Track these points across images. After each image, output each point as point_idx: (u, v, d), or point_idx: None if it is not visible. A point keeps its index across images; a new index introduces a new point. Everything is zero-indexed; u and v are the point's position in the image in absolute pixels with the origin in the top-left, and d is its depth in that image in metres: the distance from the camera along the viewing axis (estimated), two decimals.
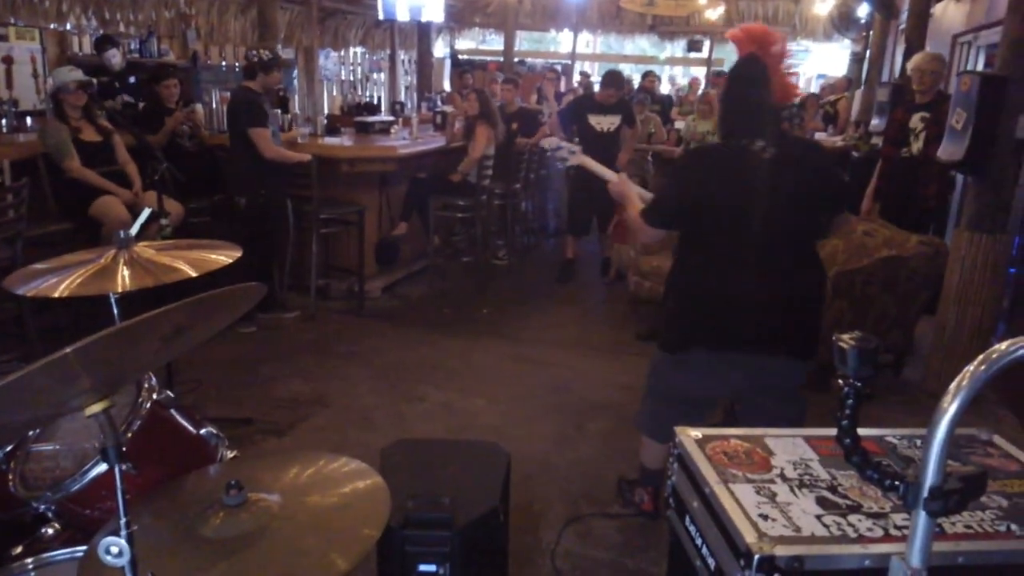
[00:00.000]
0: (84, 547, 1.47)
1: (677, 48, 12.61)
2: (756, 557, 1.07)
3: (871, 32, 9.62)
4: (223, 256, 1.88)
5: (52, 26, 6.02)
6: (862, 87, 9.23)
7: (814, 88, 11.80)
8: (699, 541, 1.25)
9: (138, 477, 1.62)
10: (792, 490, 1.26)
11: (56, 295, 1.76)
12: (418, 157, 5.74)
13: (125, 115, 4.77)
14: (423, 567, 1.98)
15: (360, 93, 10.23)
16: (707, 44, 11.91)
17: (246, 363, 4.11)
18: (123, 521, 1.06)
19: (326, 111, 8.00)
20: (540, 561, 2.60)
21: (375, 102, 8.83)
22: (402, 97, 10.30)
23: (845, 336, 1.11)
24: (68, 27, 6.17)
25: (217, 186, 4.91)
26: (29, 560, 1.52)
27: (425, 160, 5.90)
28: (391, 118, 6.56)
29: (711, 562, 1.21)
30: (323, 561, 1.27)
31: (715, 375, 2.43)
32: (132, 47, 6.35)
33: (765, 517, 1.16)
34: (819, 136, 8.21)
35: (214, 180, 4.92)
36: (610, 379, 4.13)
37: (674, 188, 2.52)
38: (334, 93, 9.52)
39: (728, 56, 12.74)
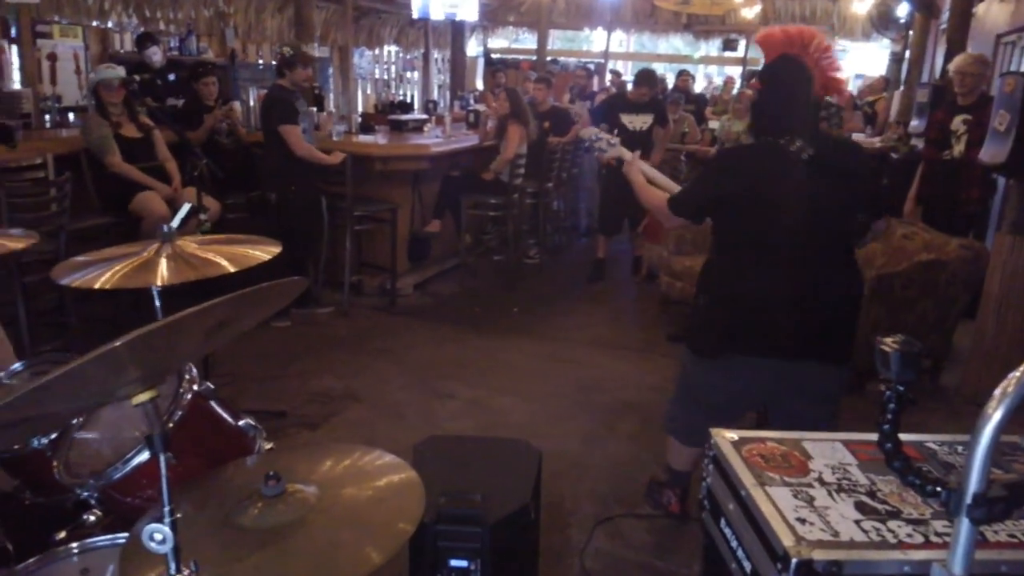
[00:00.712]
0: (125, 534, 1.51)
1: (712, 47, 12.50)
2: (794, 561, 1.07)
3: (911, 32, 9.44)
4: (263, 252, 1.90)
5: (94, 23, 6.15)
6: (901, 87, 9.07)
7: (851, 88, 11.62)
8: (734, 544, 1.24)
9: (178, 466, 1.65)
10: (830, 494, 1.24)
11: (98, 286, 1.80)
12: (451, 155, 5.77)
13: (166, 112, 4.85)
14: (454, 562, 1.99)
15: (394, 91, 10.29)
16: (743, 43, 11.78)
17: (280, 357, 4.17)
18: (167, 509, 1.08)
19: (360, 109, 8.08)
20: (570, 560, 2.60)
21: (408, 101, 8.90)
22: (435, 96, 10.35)
23: (888, 339, 1.09)
24: (110, 25, 6.30)
25: (253, 183, 4.97)
26: (74, 545, 1.56)
27: (458, 158, 5.93)
28: (424, 116, 6.60)
29: (747, 565, 1.21)
30: (358, 554, 1.29)
31: (747, 380, 2.39)
32: (172, 45, 6.47)
33: (803, 521, 1.15)
34: (857, 137, 8.08)
35: (250, 177, 4.99)
36: (641, 379, 4.11)
37: (702, 182, 2.49)
38: (368, 91, 9.60)
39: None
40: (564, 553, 2.63)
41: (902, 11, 10.13)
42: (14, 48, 5.58)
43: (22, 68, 5.56)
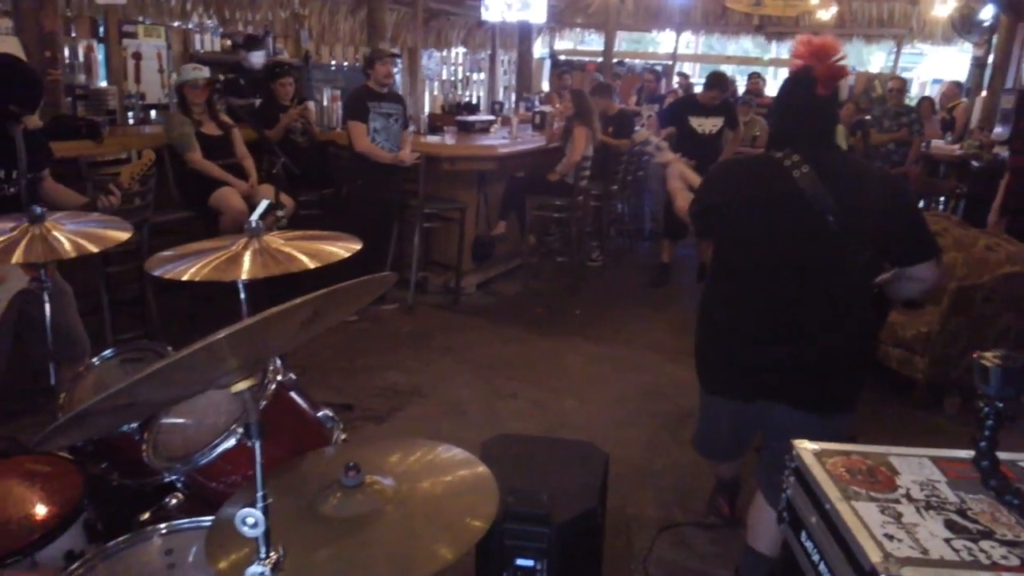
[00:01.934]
0: (210, 517, 1.56)
1: (783, 49, 12.22)
2: None
3: (995, 35, 9.06)
4: (343, 249, 1.95)
5: (176, 24, 6.39)
6: (983, 93, 8.72)
7: (929, 92, 11.22)
8: (816, 558, 1.22)
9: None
10: (918, 511, 1.21)
11: (186, 278, 1.87)
12: (517, 156, 5.79)
13: (245, 110, 5.01)
14: (521, 561, 2.00)
15: (460, 93, 10.39)
16: None
17: (348, 351, 4.25)
18: (260, 494, 1.12)
19: (427, 110, 8.19)
20: (632, 566, 2.58)
21: (474, 102, 8.97)
22: (500, 97, 10.41)
23: (988, 354, 1.05)
24: (191, 25, 6.53)
25: (325, 180, 5.09)
26: (162, 526, 1.62)
27: (524, 160, 5.95)
28: (492, 117, 6.64)
29: None
30: (431, 549, 1.31)
31: (728, 412, 2.21)
32: None
33: (890, 537, 1.12)
34: (936, 144, 7.81)
35: (323, 175, 5.11)
36: None
37: (698, 193, 2.24)
38: (435, 92, 9.71)
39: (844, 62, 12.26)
40: (626, 558, 2.61)
41: (986, 13, 9.73)
42: (101, 47, 5.82)
43: (108, 66, 5.81)
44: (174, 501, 1.85)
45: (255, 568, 1.13)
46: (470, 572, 2.08)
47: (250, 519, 1.11)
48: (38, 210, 2.03)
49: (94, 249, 2.02)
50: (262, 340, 1.09)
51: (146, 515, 1.81)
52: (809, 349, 1.98)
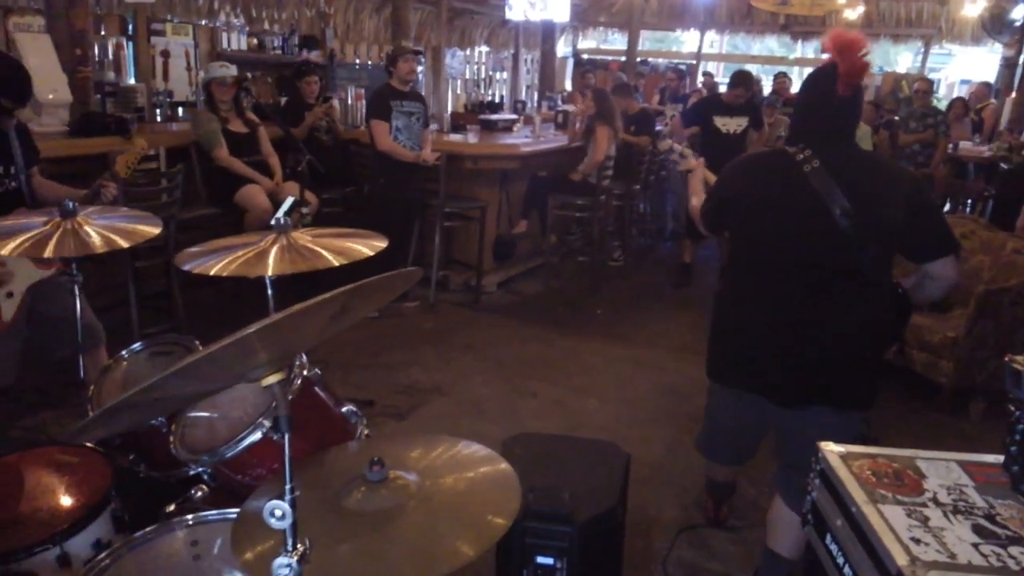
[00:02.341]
0: (236, 509, 1.58)
1: (809, 49, 12.11)
2: None
3: None
4: (368, 247, 1.96)
5: (203, 22, 6.46)
6: (1013, 94, 8.58)
7: (958, 93, 11.06)
8: (841, 561, 1.21)
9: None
10: (946, 515, 1.20)
11: (213, 273, 1.90)
12: (540, 156, 5.79)
13: (272, 108, 5.06)
14: (541, 559, 2.01)
15: (483, 91, 10.40)
16: None
17: (369, 348, 4.28)
18: (288, 487, 1.13)
19: (450, 109, 8.21)
20: (652, 566, 2.58)
21: (497, 101, 8.98)
22: (523, 96, 10.41)
23: (1020, 358, 1.04)
24: (218, 24, 6.60)
25: (349, 178, 5.13)
26: (189, 517, 1.64)
27: (546, 159, 5.95)
28: (514, 116, 6.65)
29: None
30: (453, 545, 1.31)
31: (742, 410, 2.20)
32: (275, 44, 6.72)
33: (917, 541, 1.11)
34: (965, 146, 7.70)
35: (346, 173, 5.14)
36: None
37: (711, 191, 2.27)
38: (458, 91, 9.73)
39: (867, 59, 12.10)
40: (646, 558, 2.61)
41: (1018, 13, 9.58)
42: (130, 45, 5.90)
43: (136, 64, 5.88)
44: (199, 493, 1.88)
45: (282, 560, 1.14)
46: (491, 569, 2.08)
47: (278, 511, 1.12)
48: (70, 205, 2.06)
49: (124, 244, 2.05)
50: (291, 335, 1.11)
51: (172, 507, 1.84)
52: (818, 345, 1.96)
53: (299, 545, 1.16)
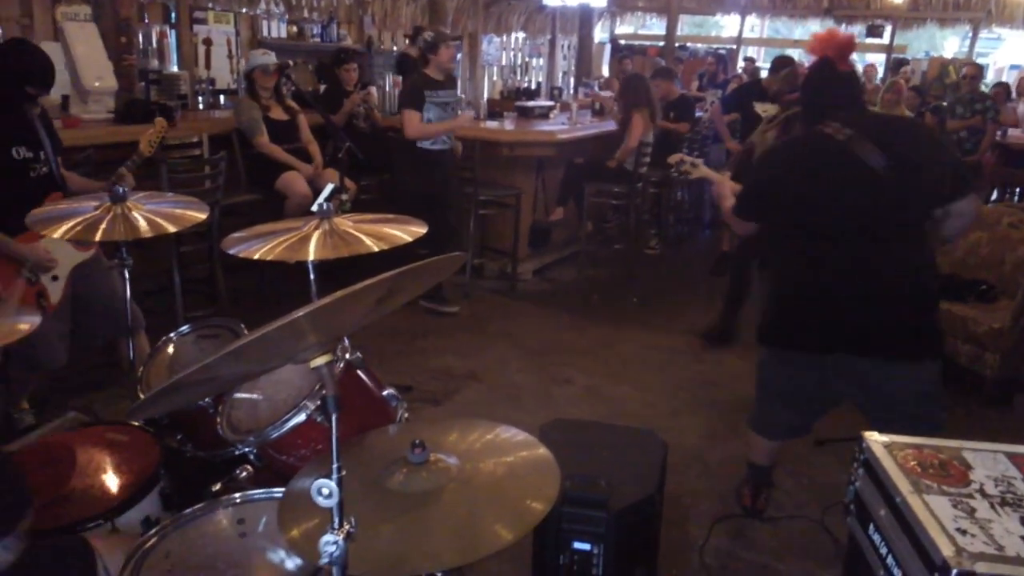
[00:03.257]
0: (281, 489, 1.62)
1: (852, 32, 11.86)
2: (954, 572, 1.02)
3: None
4: (408, 234, 1.98)
5: (244, 10, 6.53)
6: None
7: (1007, 78, 10.73)
8: (884, 551, 1.20)
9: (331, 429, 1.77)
10: (993, 507, 1.18)
11: (257, 257, 1.93)
12: (576, 142, 5.76)
13: (312, 95, 5.10)
14: (578, 545, 2.02)
15: (519, 78, 10.37)
16: (888, 29, 11.09)
17: (405, 334, 4.32)
18: (335, 466, 1.16)
19: (486, 95, 8.20)
20: (688, 555, 2.57)
21: (534, 87, 8.94)
22: (560, 82, 10.35)
23: None
24: (258, 12, 6.67)
25: (386, 166, 5.15)
26: (237, 495, 1.68)
27: (583, 145, 5.91)
28: (551, 103, 6.61)
29: (897, 574, 1.16)
30: (492, 529, 1.32)
31: (810, 375, 2.34)
32: (314, 32, 6.77)
33: (963, 532, 1.10)
34: (1014, 133, 7.48)
35: (383, 160, 5.17)
36: None
37: (753, 181, 2.44)
38: (495, 78, 9.72)
39: (911, 42, 11.81)
40: (682, 547, 2.61)
41: None
42: (173, 33, 5.99)
43: (179, 52, 5.98)
44: (244, 473, 1.92)
45: (328, 537, 1.17)
46: (527, 552, 2.10)
47: (325, 489, 1.15)
48: (120, 190, 2.12)
49: (172, 228, 2.09)
50: (339, 318, 1.13)
51: (218, 486, 1.88)
52: (887, 300, 2.13)
53: (345, 523, 1.19)
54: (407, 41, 6.82)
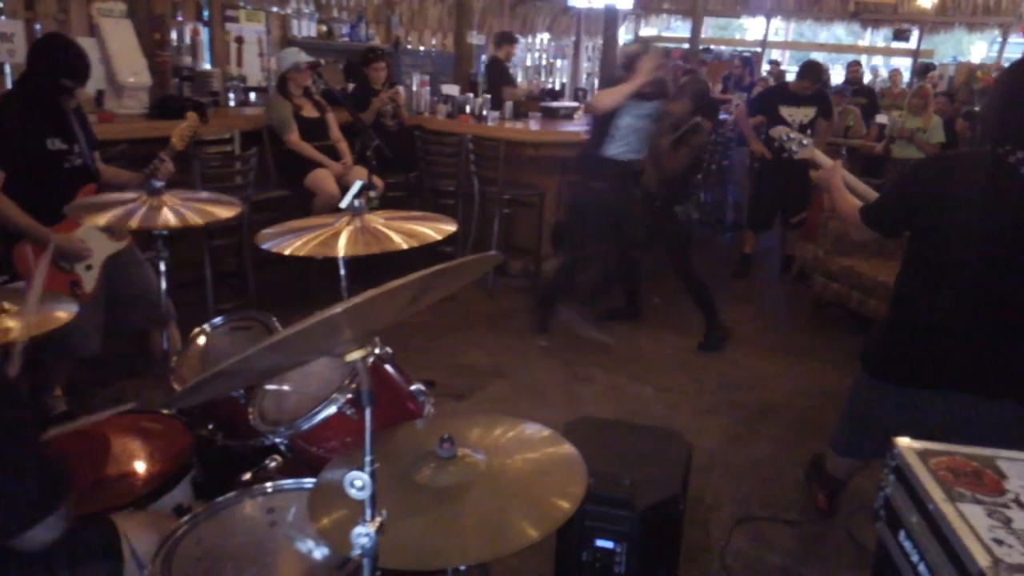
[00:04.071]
0: (311, 479, 1.64)
1: (878, 37, 11.73)
2: None
3: None
4: (437, 232, 2.00)
5: (275, 9, 6.61)
6: None
7: None
8: (915, 558, 1.20)
9: (360, 422, 1.79)
10: None
11: (289, 252, 1.96)
12: None
13: (342, 93, 5.15)
14: (600, 542, 2.03)
15: (544, 79, 10.38)
16: (915, 34, 10.97)
17: (429, 330, 4.34)
18: (368, 459, 1.17)
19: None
20: (709, 557, 2.57)
21: (558, 88, 8.94)
22: (584, 84, 10.35)
23: None
24: (288, 11, 6.74)
25: (411, 164, 5.20)
26: (268, 485, 1.70)
27: None
28: (576, 104, 6.62)
29: None
30: (519, 526, 1.33)
31: (910, 407, 2.17)
32: (343, 31, 6.83)
33: (1000, 542, 1.09)
34: None
35: (409, 158, 5.21)
36: (787, 383, 3.98)
37: (896, 191, 2.24)
38: (519, 78, 9.73)
39: (938, 47, 11.66)
40: (703, 549, 2.61)
41: None
42: (205, 31, 6.07)
43: (212, 49, 6.05)
44: (272, 463, 1.95)
45: (360, 529, 1.18)
46: (550, 548, 2.12)
47: (358, 482, 1.16)
48: (157, 184, 2.16)
49: (200, 222, 2.13)
50: (375, 314, 1.15)
51: (247, 475, 1.91)
52: (1009, 340, 1.99)
53: (377, 516, 1.20)
54: (493, 46, 6.98)
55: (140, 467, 1.86)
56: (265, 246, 1.96)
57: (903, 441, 1.31)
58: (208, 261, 3.87)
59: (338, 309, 1.04)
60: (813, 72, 5.57)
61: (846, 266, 4.47)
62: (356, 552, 1.18)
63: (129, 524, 1.52)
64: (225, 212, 2.22)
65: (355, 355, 1.15)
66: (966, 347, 2.03)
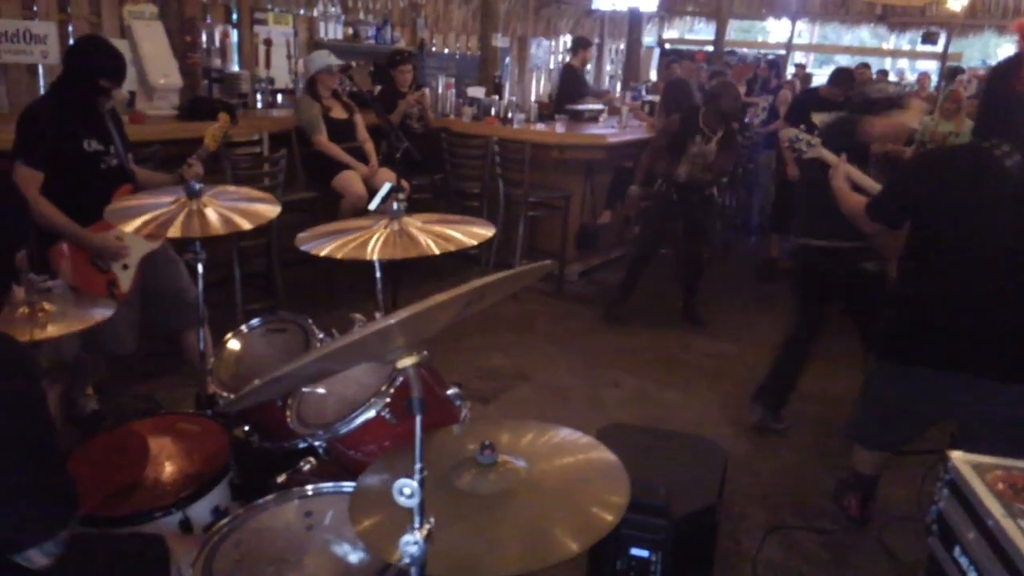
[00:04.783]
0: (351, 483, 1.64)
1: (904, 40, 11.59)
2: None
3: None
4: (474, 236, 1.99)
5: (302, 12, 6.65)
6: None
7: None
8: (973, 575, 1.18)
9: (399, 427, 1.79)
10: None
11: (324, 254, 1.97)
12: (626, 146, 5.74)
13: (370, 95, 5.17)
14: (635, 551, 2.02)
15: None
16: (943, 37, 10.84)
17: (452, 332, 4.31)
18: (418, 466, 1.17)
19: (534, 98, 8.22)
20: (741, 566, 2.55)
21: None
22: (607, 86, 10.33)
23: None
24: (315, 13, 6.78)
25: (437, 166, 5.20)
26: (309, 488, 1.71)
27: (632, 149, 5.88)
28: (601, 106, 6.60)
29: None
30: (560, 538, 1.31)
31: (934, 394, 2.28)
32: (369, 34, 6.86)
33: None
34: None
35: (435, 160, 5.22)
36: (816, 389, 3.93)
37: (896, 185, 2.39)
38: (542, 81, 9.73)
39: (967, 50, 11.52)
40: (735, 557, 2.58)
41: None
42: (235, 33, 6.11)
43: (240, 52, 6.09)
44: (307, 466, 1.95)
45: (409, 537, 1.17)
46: (583, 554, 2.10)
47: (407, 489, 1.15)
48: (196, 186, 2.17)
49: (248, 225, 2.14)
50: (428, 320, 1.14)
51: (283, 477, 1.91)
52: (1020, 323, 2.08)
53: (425, 524, 1.19)
54: (569, 54, 7.02)
55: (179, 468, 1.87)
56: (304, 248, 1.97)
57: (957, 455, 1.29)
58: (237, 262, 3.90)
59: (393, 320, 1.04)
60: (845, 79, 5.54)
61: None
62: (405, 560, 1.18)
63: (180, 545, 1.53)
64: (268, 212, 2.23)
65: (406, 361, 1.15)
66: (968, 328, 2.13)
